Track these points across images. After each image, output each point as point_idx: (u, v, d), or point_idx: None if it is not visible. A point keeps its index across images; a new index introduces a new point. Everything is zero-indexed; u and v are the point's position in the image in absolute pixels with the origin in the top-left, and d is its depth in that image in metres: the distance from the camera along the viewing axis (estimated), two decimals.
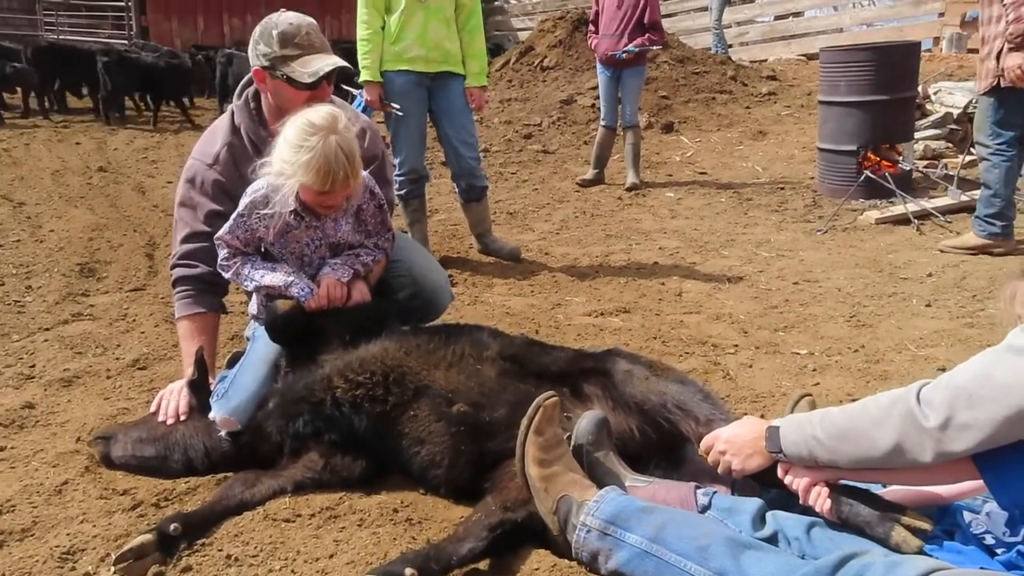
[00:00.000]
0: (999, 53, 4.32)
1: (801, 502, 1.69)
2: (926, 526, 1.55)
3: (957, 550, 1.53)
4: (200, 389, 2.38)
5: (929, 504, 1.67)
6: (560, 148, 8.91)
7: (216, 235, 2.40)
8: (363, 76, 4.39)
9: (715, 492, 1.84)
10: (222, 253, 2.41)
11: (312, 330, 2.37)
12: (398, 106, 4.32)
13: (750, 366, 3.18)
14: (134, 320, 3.66)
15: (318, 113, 2.26)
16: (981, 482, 1.60)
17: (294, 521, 1.99)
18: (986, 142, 4.59)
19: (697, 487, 1.86)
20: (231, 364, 2.54)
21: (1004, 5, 4.22)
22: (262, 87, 2.56)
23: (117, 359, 3.18)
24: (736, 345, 3.42)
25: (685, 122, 9.57)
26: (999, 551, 1.50)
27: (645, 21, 6.70)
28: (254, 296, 2.54)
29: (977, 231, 4.70)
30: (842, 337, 3.51)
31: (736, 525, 1.73)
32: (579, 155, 8.56)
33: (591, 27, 7.09)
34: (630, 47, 6.66)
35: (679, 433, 1.97)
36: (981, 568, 1.46)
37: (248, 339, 2.89)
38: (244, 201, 2.36)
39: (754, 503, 1.77)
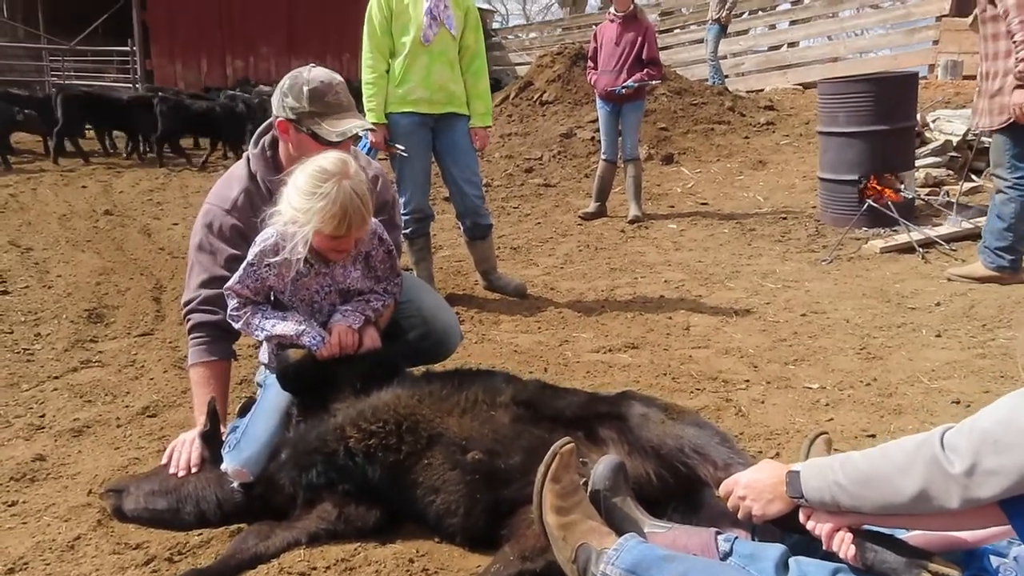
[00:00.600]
0: (1013, 88, 4.30)
1: (824, 548, 1.67)
2: (955, 573, 1.53)
3: None
4: (212, 440, 2.36)
5: (954, 549, 1.64)
6: (561, 181, 8.97)
7: (225, 285, 2.41)
8: (368, 119, 4.41)
9: (736, 538, 1.81)
10: (232, 303, 2.41)
11: (324, 378, 2.36)
12: (403, 147, 4.36)
13: (762, 402, 3.17)
14: (143, 366, 3.65)
15: (329, 159, 2.27)
16: (1008, 526, 1.59)
17: (309, 574, 1.97)
18: (1005, 175, 4.56)
19: (718, 533, 1.84)
20: (243, 412, 2.53)
21: (1015, 43, 4.20)
22: (284, 137, 2.58)
23: (127, 407, 3.17)
24: (747, 380, 3.40)
25: (685, 153, 9.64)
26: None
27: (644, 57, 6.78)
28: (264, 344, 2.54)
29: (986, 262, 4.67)
30: (853, 370, 3.49)
31: (759, 572, 1.71)
32: (580, 188, 8.62)
33: (590, 63, 7.18)
34: (629, 82, 6.73)
35: (697, 477, 1.95)
36: None
37: (259, 385, 2.89)
38: (253, 250, 2.36)
39: (776, 549, 1.75)
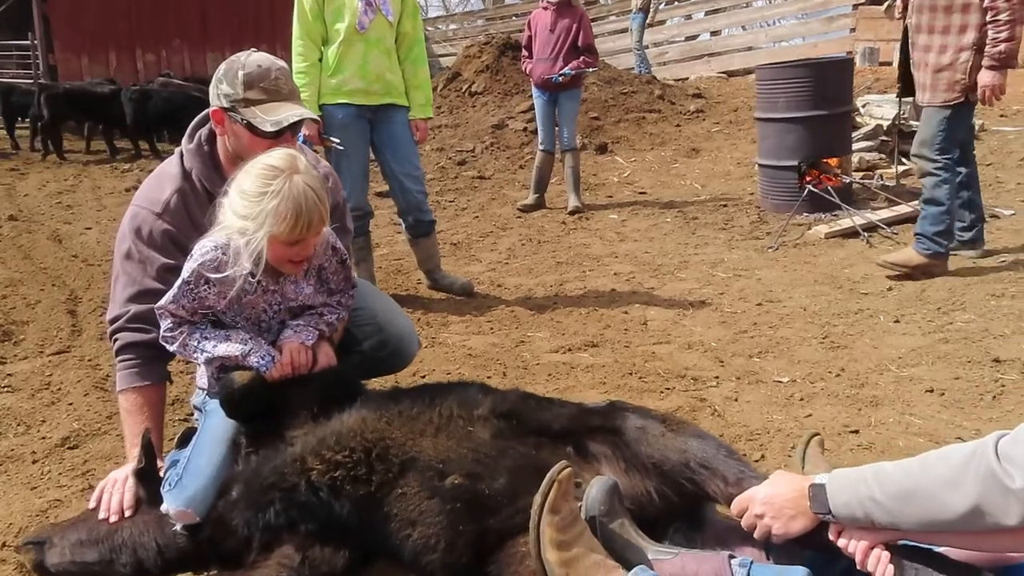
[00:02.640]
0: (971, 67, 4.14)
1: (859, 567, 1.53)
2: None
3: None
4: (148, 477, 2.07)
5: (996, 564, 1.52)
6: (496, 173, 8.76)
7: (157, 305, 2.11)
8: None
9: (752, 562, 1.65)
10: (165, 324, 2.11)
11: (275, 403, 2.10)
12: (338, 140, 4.07)
13: (735, 399, 3.04)
14: (59, 389, 3.28)
15: (275, 156, 2.01)
16: None
17: None
18: (934, 156, 4.37)
19: (731, 556, 1.67)
20: (182, 443, 2.24)
21: (995, 21, 4.01)
22: (219, 129, 2.29)
23: (43, 438, 2.82)
24: (716, 377, 3.28)
25: (618, 142, 9.56)
26: None
27: (579, 44, 6.63)
28: (200, 368, 2.25)
29: (921, 250, 4.45)
30: (819, 360, 3.41)
31: None
32: (515, 180, 8.43)
33: (524, 52, 6.99)
34: (566, 70, 6.57)
35: (704, 494, 1.78)
36: None
37: (195, 408, 2.59)
38: (190, 267, 2.06)
39: (799, 572, 1.59)
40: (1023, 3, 3.96)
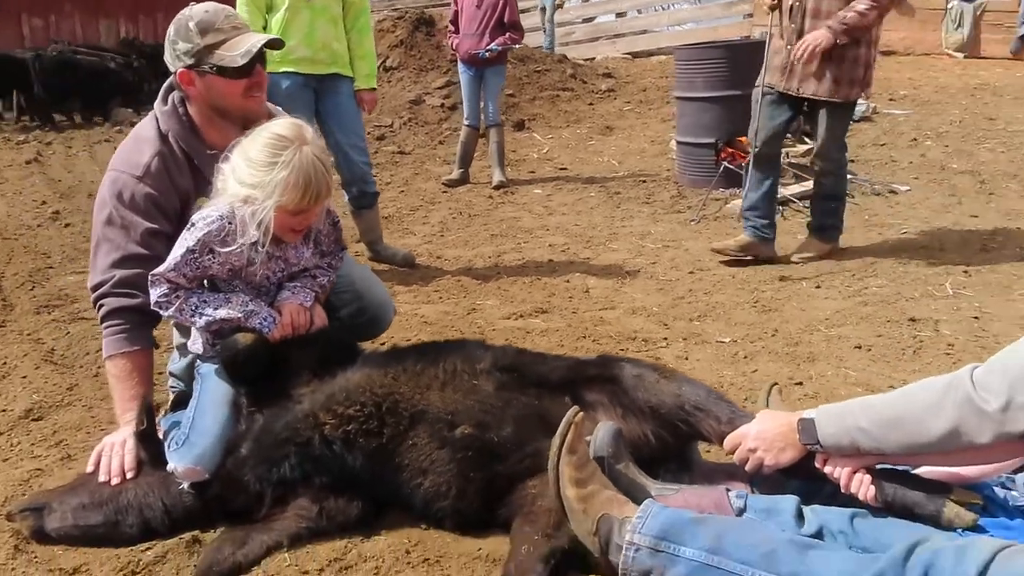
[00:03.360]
0: (868, 61, 4.19)
1: (843, 490, 1.73)
2: (977, 500, 1.63)
3: (1005, 526, 1.62)
4: (149, 439, 2.07)
5: (962, 482, 1.76)
6: (416, 149, 8.76)
7: (154, 272, 2.09)
8: None
9: (747, 494, 1.84)
10: (160, 290, 2.10)
11: (277, 363, 2.14)
12: (283, 110, 4.02)
13: (686, 358, 3.25)
14: (5, 364, 3.16)
15: (281, 125, 2.05)
16: (1006, 463, 1.71)
17: None
18: (838, 156, 4.50)
19: (727, 489, 1.85)
20: (176, 407, 2.24)
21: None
22: (191, 91, 2.28)
23: (3, 411, 2.72)
24: (665, 338, 3.49)
25: (534, 119, 9.72)
26: None
27: (505, 20, 6.72)
28: (195, 332, 2.25)
29: (830, 238, 4.63)
30: (754, 323, 3.67)
31: (778, 525, 1.74)
32: (436, 155, 8.46)
33: (450, 27, 7.03)
34: (493, 46, 6.65)
35: (699, 434, 1.96)
36: None
37: (171, 375, 2.59)
38: (195, 235, 2.06)
39: (791, 500, 1.79)
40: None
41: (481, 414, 1.97)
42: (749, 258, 4.56)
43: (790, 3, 4.26)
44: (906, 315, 3.63)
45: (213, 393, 2.14)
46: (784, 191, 5.95)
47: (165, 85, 2.39)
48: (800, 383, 2.95)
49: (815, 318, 3.68)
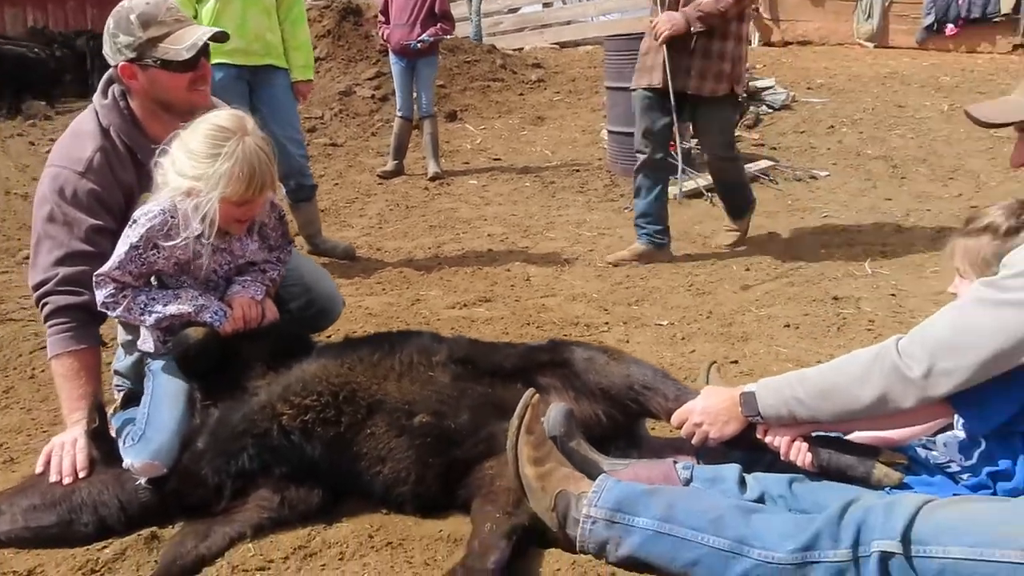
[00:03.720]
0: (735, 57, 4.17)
1: (783, 458, 1.85)
2: (903, 460, 1.77)
3: (927, 483, 1.76)
4: (101, 437, 2.05)
5: (889, 445, 1.90)
6: (348, 141, 8.67)
7: (98, 272, 2.07)
8: None
9: (693, 465, 1.95)
10: (106, 290, 2.07)
11: (230, 357, 2.14)
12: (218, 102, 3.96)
13: (627, 341, 3.37)
14: None
15: (222, 116, 2.05)
16: (926, 426, 1.86)
17: (268, 568, 1.81)
18: (726, 151, 4.52)
19: (674, 462, 1.96)
20: (126, 405, 2.22)
21: None
22: (133, 84, 2.25)
23: None
24: (606, 323, 3.59)
25: (466, 110, 9.73)
26: (964, 476, 1.75)
27: (436, 11, 6.72)
28: (144, 331, 2.22)
29: (745, 213, 4.73)
30: (690, 306, 3.82)
31: (723, 492, 1.85)
32: (369, 147, 8.41)
33: (381, 17, 6.99)
34: (424, 36, 6.65)
35: (648, 412, 2.05)
36: (954, 495, 1.69)
37: (116, 373, 2.56)
38: (137, 231, 2.04)
39: (733, 469, 1.90)
40: None
41: (438, 404, 2.02)
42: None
43: None
44: (829, 294, 3.83)
45: (166, 388, 2.13)
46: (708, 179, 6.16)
47: (104, 78, 2.35)
48: (736, 361, 3.10)
49: (746, 299, 3.85)
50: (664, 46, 4.15)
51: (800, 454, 1.83)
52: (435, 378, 2.07)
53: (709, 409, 1.92)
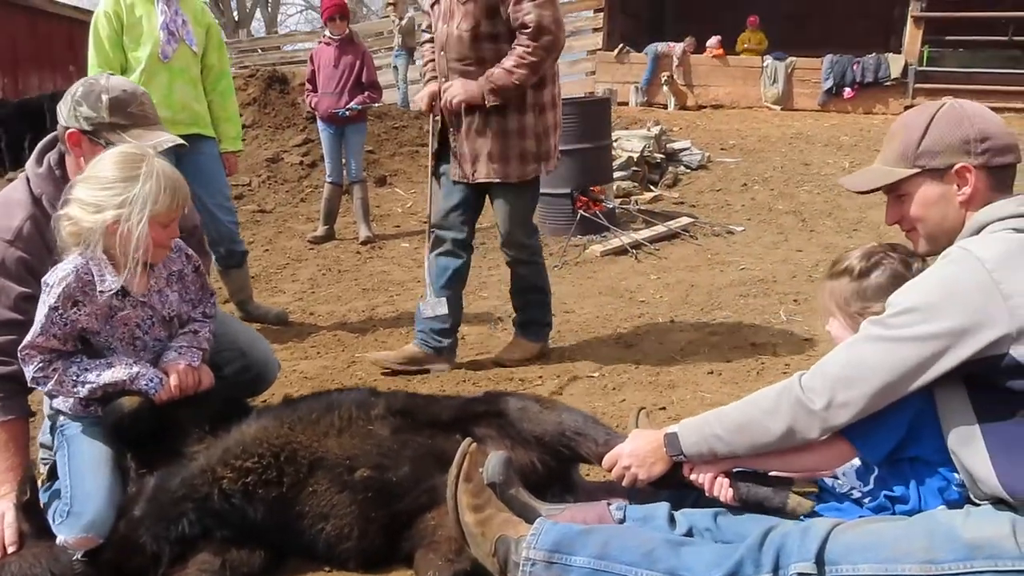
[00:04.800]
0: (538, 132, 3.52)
1: (707, 494, 1.96)
2: (813, 489, 1.90)
3: (836, 508, 1.89)
4: (32, 510, 2.03)
5: (804, 478, 2.03)
6: (277, 207, 8.69)
7: (23, 345, 2.07)
8: None
9: (625, 505, 2.04)
10: (33, 365, 2.07)
11: (165, 424, 2.15)
12: None
13: (561, 393, 3.47)
14: None
15: (123, 147, 2.11)
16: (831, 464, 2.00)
17: None
18: (530, 241, 3.80)
19: (608, 503, 2.05)
20: (52, 476, 2.19)
21: (515, 51, 3.30)
22: (76, 151, 2.28)
23: None
24: (540, 376, 3.69)
25: (396, 175, 9.88)
26: (866, 500, 1.89)
27: (363, 80, 6.90)
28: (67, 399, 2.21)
29: (534, 340, 3.93)
30: (619, 357, 3.95)
31: (654, 529, 1.95)
32: (298, 213, 8.43)
33: (308, 86, 7.12)
34: (353, 104, 6.80)
35: (580, 456, 2.14)
36: (860, 517, 1.83)
37: (41, 446, 2.51)
38: (54, 292, 2.05)
39: (663, 507, 2.00)
40: (547, 53, 3.32)
41: (379, 457, 2.07)
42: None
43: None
44: (748, 341, 4.03)
45: (87, 455, 2.12)
46: (636, 236, 6.42)
47: (40, 146, 2.38)
48: (664, 408, 3.23)
49: (672, 349, 4.01)
50: (438, 119, 3.63)
51: (722, 490, 1.94)
52: (375, 432, 2.13)
53: (636, 452, 2.02)
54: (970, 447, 1.67)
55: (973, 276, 1.62)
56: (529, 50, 3.27)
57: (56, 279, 2.04)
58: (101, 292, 2.07)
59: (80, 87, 2.28)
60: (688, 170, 8.74)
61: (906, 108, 12.67)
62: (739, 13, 15.19)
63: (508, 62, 3.31)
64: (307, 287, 5.73)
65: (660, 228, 6.61)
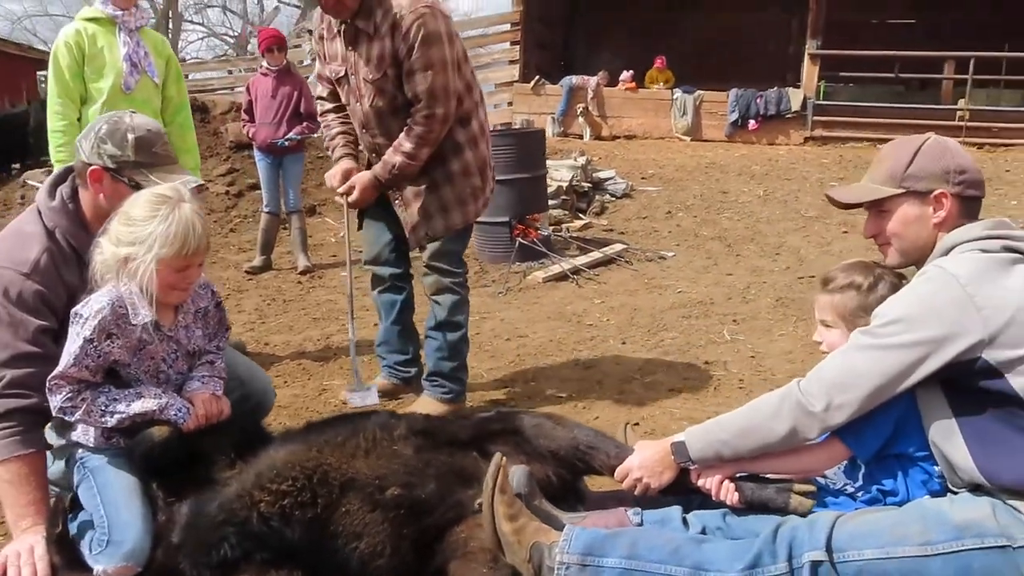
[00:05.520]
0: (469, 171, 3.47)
1: (714, 498, 2.16)
2: (812, 488, 2.13)
3: (833, 504, 2.12)
4: (64, 543, 2.03)
5: (802, 477, 2.25)
6: None
7: (53, 375, 2.09)
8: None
9: (642, 510, 2.21)
10: (61, 394, 2.08)
11: (192, 452, 2.20)
12: None
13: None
14: None
15: (163, 187, 2.16)
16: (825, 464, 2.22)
17: None
18: (458, 269, 3.70)
19: (625, 510, 2.22)
20: (73, 508, 2.19)
21: (409, 130, 3.25)
22: (95, 187, 2.31)
23: None
24: (511, 400, 3.85)
25: (324, 204, 9.85)
26: (859, 495, 2.12)
27: (302, 110, 6.93)
28: (82, 425, 2.23)
29: (441, 395, 3.62)
30: (582, 378, 4.15)
31: (673, 531, 2.13)
32: (229, 243, 8.32)
33: (244, 116, 7.10)
34: (292, 135, 6.82)
35: (592, 469, 2.30)
36: (856, 509, 2.06)
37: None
38: (90, 324, 2.08)
39: (676, 510, 2.19)
40: (443, 125, 3.27)
41: (406, 475, 2.17)
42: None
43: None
44: (700, 360, 4.31)
45: (118, 486, 2.14)
46: (575, 261, 6.68)
47: (52, 179, 2.39)
48: (637, 423, 3.44)
49: (629, 369, 4.24)
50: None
51: (729, 494, 2.15)
52: (400, 451, 2.23)
53: (645, 463, 2.21)
54: (950, 440, 1.92)
55: (949, 291, 1.88)
56: (425, 128, 3.23)
57: (92, 311, 2.07)
58: (134, 326, 2.11)
59: (104, 125, 2.31)
60: (613, 198, 9.11)
61: (806, 140, 13.59)
62: (646, 50, 15.94)
63: (407, 144, 3.26)
64: (255, 317, 5.70)
65: (596, 254, 6.90)
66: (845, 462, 2.18)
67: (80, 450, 2.25)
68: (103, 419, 2.12)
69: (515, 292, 6.18)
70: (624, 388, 3.95)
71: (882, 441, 2.02)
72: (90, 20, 3.94)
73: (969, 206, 2.06)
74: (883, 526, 1.91)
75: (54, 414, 2.11)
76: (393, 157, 3.32)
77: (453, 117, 3.33)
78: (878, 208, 2.13)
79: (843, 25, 14.75)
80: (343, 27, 3.33)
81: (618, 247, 7.12)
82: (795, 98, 13.70)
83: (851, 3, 14.89)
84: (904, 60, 13.75)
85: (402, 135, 3.29)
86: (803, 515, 2.09)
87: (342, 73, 3.43)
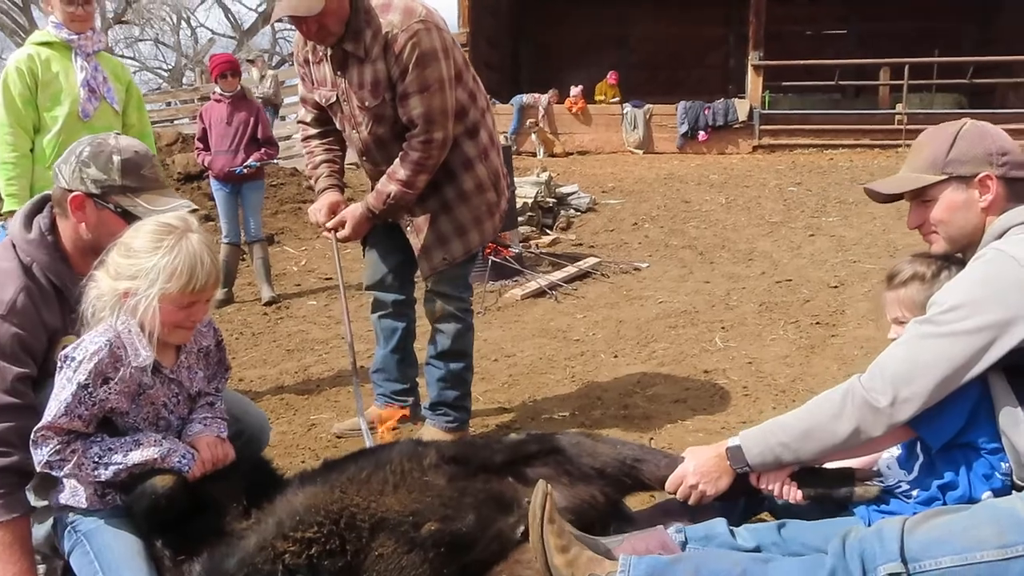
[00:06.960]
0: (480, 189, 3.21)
1: (777, 499, 2.05)
2: (876, 474, 2.03)
3: (885, 511, 2.01)
4: None
5: (863, 468, 2.15)
6: None
7: (37, 428, 1.86)
8: (9, 205, 3.67)
9: (684, 527, 2.08)
10: (48, 447, 1.86)
11: (199, 502, 1.98)
12: None
13: None
14: None
15: (168, 216, 1.97)
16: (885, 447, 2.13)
17: None
18: (465, 296, 3.45)
19: (666, 527, 2.08)
20: None
21: (406, 156, 3.01)
22: (77, 215, 2.09)
23: None
24: (514, 420, 3.69)
25: (282, 233, 9.59)
26: (913, 493, 2.02)
27: (259, 136, 6.70)
28: (70, 485, 2.00)
29: (445, 424, 3.40)
30: (580, 395, 4.01)
31: (719, 546, 2.00)
32: None
33: (199, 144, 6.82)
34: (251, 162, 6.57)
35: (641, 483, 2.17)
36: (914, 513, 1.94)
37: (39, 553, 2.23)
38: (84, 368, 1.86)
39: (720, 523, 2.06)
40: (442, 151, 3.02)
41: (442, 508, 1.99)
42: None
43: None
44: (698, 369, 4.21)
45: (119, 550, 1.91)
46: (551, 277, 6.56)
47: (27, 210, 2.16)
48: (652, 438, 3.30)
49: (629, 382, 4.12)
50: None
51: (792, 493, 2.03)
52: (432, 482, 2.05)
53: (700, 469, 2.08)
54: (1017, 429, 1.83)
55: (1011, 273, 1.81)
56: (423, 155, 2.98)
57: (86, 353, 1.85)
58: (134, 368, 1.91)
59: (87, 147, 2.10)
60: (578, 213, 9.05)
61: (755, 148, 13.80)
62: (591, 69, 16.08)
63: (403, 172, 3.01)
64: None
65: (571, 269, 6.80)
66: (900, 452, 2.08)
67: (71, 514, 2.01)
68: (96, 472, 1.89)
69: (494, 311, 6.02)
70: (627, 403, 3.82)
71: (957, 429, 1.92)
72: (43, 44, 3.70)
73: (1015, 188, 1.99)
74: (955, 530, 1.80)
75: (39, 469, 1.88)
76: (388, 186, 3.07)
77: (451, 140, 3.06)
78: (921, 198, 2.06)
79: (779, 37, 15.12)
80: (330, 51, 3.07)
81: (592, 260, 7.03)
82: (742, 108, 13.94)
83: (786, 16, 15.28)
84: (844, 68, 14.12)
85: (397, 162, 3.04)
86: (870, 502, 2.00)
87: (333, 99, 3.15)
